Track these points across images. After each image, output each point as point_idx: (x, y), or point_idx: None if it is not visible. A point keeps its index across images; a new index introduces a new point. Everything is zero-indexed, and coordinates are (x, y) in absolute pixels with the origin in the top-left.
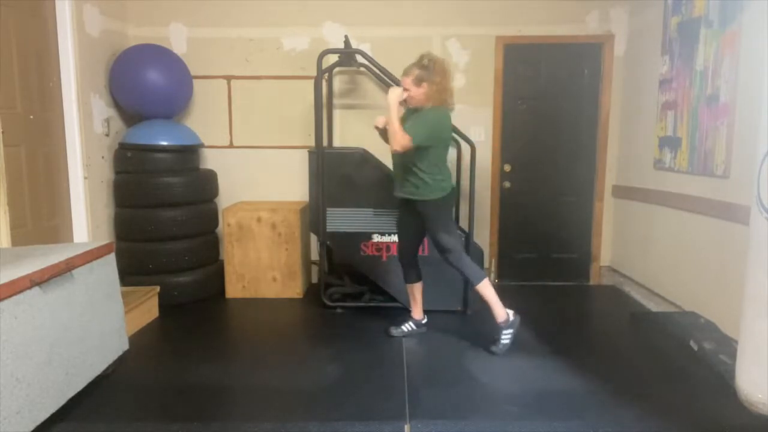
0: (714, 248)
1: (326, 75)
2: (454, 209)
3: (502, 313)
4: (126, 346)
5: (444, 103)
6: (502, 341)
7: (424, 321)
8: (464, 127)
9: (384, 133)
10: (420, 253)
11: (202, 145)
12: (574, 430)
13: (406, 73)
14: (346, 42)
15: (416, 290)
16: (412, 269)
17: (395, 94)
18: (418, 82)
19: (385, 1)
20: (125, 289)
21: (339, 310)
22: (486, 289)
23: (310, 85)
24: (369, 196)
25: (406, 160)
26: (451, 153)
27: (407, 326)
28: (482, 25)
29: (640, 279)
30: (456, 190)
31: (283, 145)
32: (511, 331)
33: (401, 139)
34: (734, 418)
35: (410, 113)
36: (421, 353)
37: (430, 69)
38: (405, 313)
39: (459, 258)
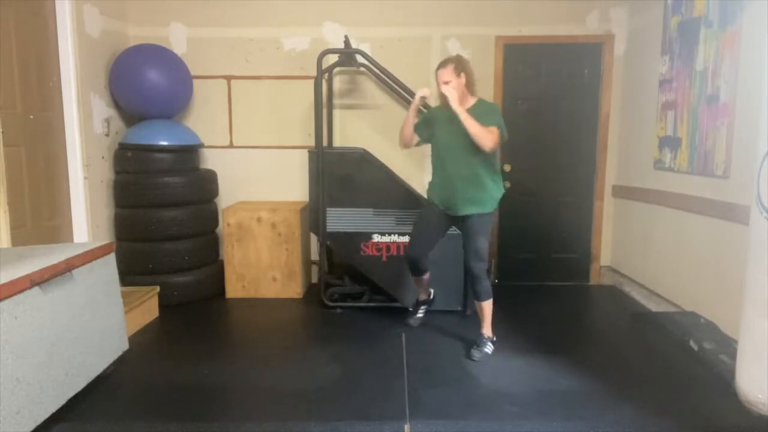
0: (714, 248)
1: (326, 75)
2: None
3: (490, 331)
4: (126, 346)
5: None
6: (485, 350)
7: (432, 297)
8: None
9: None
10: None
11: (202, 145)
12: (574, 430)
13: (442, 65)
14: (346, 42)
15: (424, 279)
16: (424, 262)
17: (451, 92)
18: (458, 72)
19: (385, 1)
20: (125, 289)
21: (339, 310)
22: (489, 307)
23: (310, 85)
24: (369, 196)
25: (473, 169)
26: None
27: (421, 311)
28: (482, 25)
29: (640, 279)
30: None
31: (283, 145)
32: (491, 346)
33: (491, 135)
34: (734, 418)
35: (443, 114)
36: (421, 353)
37: (461, 60)
38: (405, 313)
39: (484, 270)
